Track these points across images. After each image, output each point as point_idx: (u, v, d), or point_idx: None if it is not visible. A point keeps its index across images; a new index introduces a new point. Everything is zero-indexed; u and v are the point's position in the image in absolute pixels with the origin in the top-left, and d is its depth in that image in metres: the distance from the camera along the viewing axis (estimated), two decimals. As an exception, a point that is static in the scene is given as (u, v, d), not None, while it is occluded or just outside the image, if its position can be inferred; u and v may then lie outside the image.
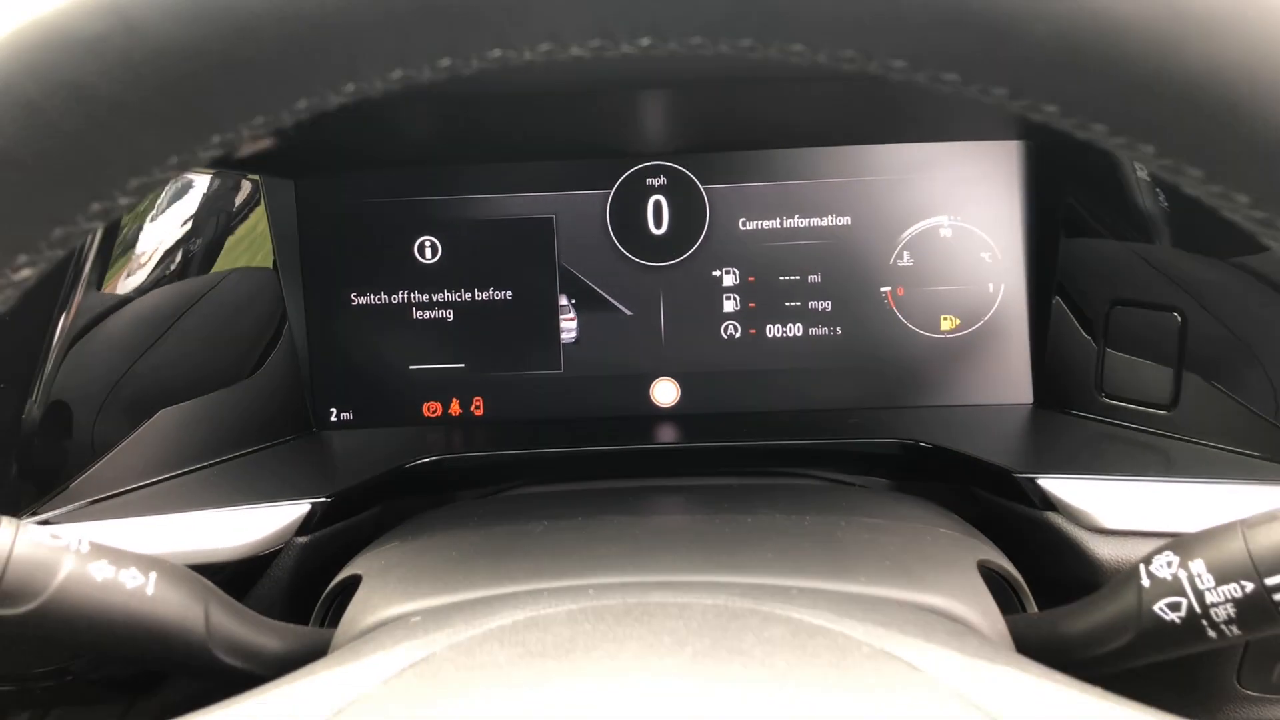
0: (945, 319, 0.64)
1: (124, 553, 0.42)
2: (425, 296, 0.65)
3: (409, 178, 0.65)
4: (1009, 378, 0.64)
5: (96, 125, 0.23)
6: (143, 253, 0.58)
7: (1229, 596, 0.39)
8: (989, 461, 0.55)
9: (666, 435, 0.63)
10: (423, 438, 0.65)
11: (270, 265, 0.64)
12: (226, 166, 0.59)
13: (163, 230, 0.59)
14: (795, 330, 0.64)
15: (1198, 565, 0.40)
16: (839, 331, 0.64)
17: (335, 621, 0.47)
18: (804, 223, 0.64)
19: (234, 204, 0.63)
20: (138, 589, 0.41)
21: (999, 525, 0.55)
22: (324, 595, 0.49)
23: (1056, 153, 0.62)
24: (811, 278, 0.64)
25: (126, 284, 0.58)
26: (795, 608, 0.34)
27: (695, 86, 0.58)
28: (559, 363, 0.65)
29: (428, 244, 0.65)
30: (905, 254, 0.64)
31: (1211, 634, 0.39)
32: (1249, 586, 0.38)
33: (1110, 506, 0.50)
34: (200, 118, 0.24)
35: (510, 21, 0.21)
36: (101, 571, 0.40)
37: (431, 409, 0.66)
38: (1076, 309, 0.60)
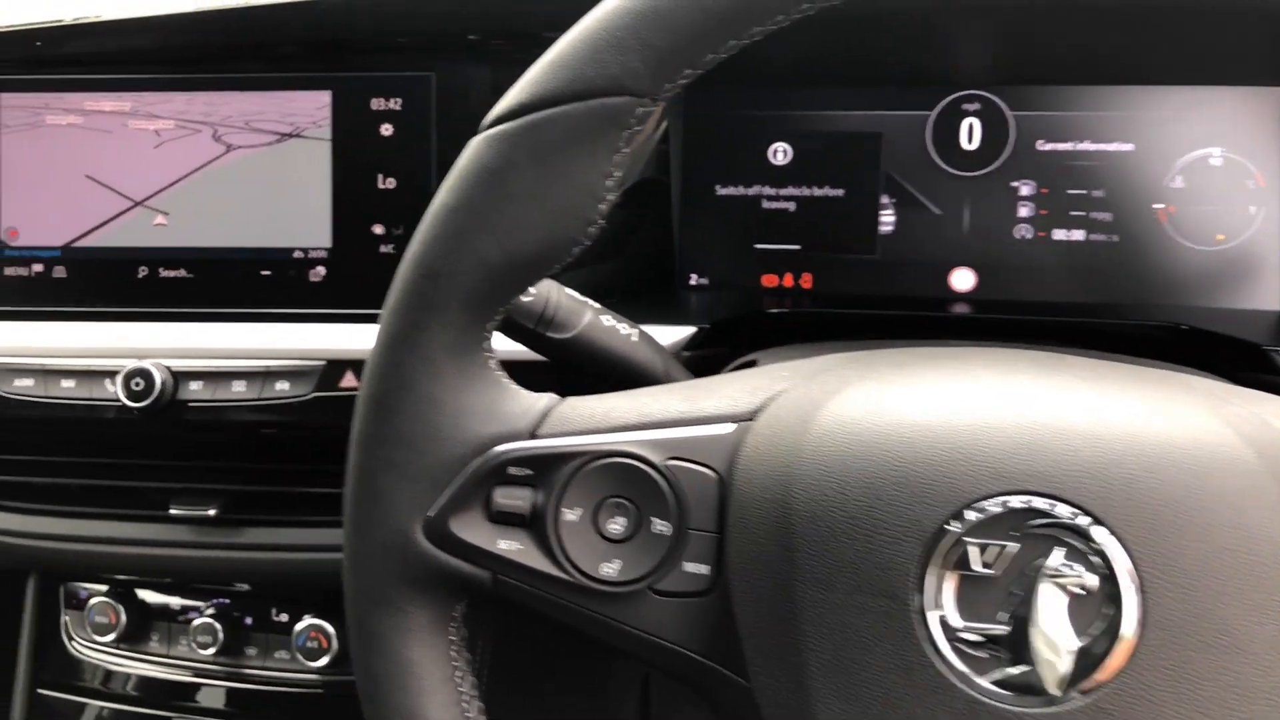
0: (1210, 234, 0.77)
1: (616, 314, 0.61)
2: (774, 190, 0.83)
3: (769, 96, 0.83)
4: (1262, 286, 0.76)
5: None
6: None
7: None
8: (1241, 339, 0.68)
9: (961, 310, 0.80)
10: (760, 299, 0.83)
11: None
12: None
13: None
14: (1079, 235, 0.79)
15: None
16: (1116, 239, 0.78)
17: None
18: (1093, 147, 0.78)
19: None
20: (627, 336, 0.60)
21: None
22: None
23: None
24: (1096, 192, 0.78)
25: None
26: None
27: (1005, 23, 0.74)
28: (875, 249, 0.82)
29: (780, 149, 0.83)
30: (1178, 177, 0.77)
31: None
32: None
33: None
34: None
35: None
36: (608, 321, 0.60)
37: (769, 280, 0.84)
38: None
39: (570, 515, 0.45)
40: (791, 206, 0.83)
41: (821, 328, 0.81)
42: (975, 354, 0.49)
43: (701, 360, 0.75)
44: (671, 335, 0.75)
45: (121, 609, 0.86)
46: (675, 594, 0.45)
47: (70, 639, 0.89)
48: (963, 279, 0.81)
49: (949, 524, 0.40)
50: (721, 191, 0.84)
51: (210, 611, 0.86)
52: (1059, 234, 0.79)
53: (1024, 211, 0.80)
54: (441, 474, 0.45)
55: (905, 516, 0.41)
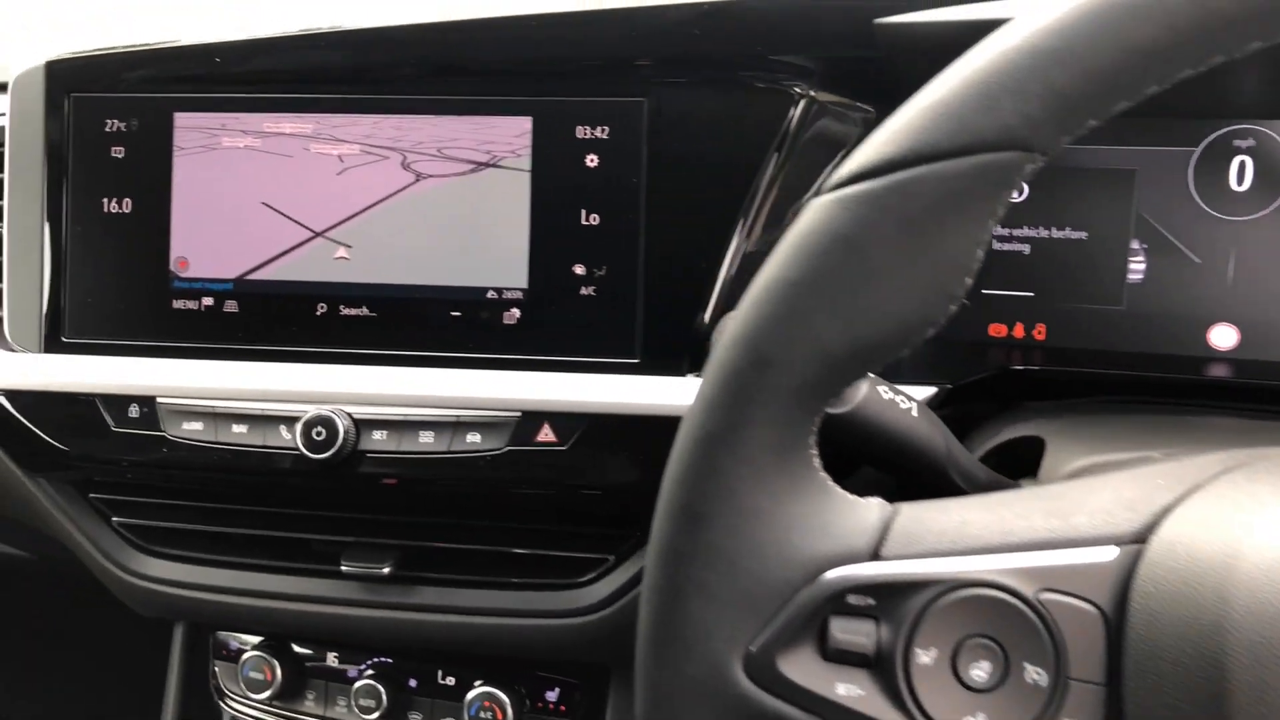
0: None
1: (890, 383, 0.54)
2: (1006, 231, 0.75)
3: (1004, 126, 0.74)
4: None
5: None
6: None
7: None
8: None
9: (1221, 373, 0.70)
10: (986, 351, 0.75)
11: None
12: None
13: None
14: (1367, 291, 0.69)
15: None
16: None
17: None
18: (1391, 191, 0.68)
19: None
20: (908, 410, 0.53)
21: None
22: (988, 450, 0.61)
23: None
24: (1395, 241, 0.69)
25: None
26: None
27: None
28: (1121, 300, 0.73)
29: (1015, 185, 0.74)
30: None
31: None
32: None
33: None
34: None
35: None
36: (886, 393, 0.52)
37: (996, 330, 0.76)
38: None
39: (924, 657, 0.37)
40: (1026, 249, 0.75)
41: (1059, 385, 0.73)
42: None
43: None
44: (919, 393, 0.67)
45: (276, 664, 0.80)
46: (1053, 758, 0.37)
47: (223, 696, 0.83)
48: (1223, 336, 0.72)
49: None
50: (944, 230, 0.76)
51: (370, 672, 0.80)
52: (1344, 289, 0.70)
53: (1302, 262, 0.70)
54: (766, 600, 0.38)
55: (1394, 691, 0.32)
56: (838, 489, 0.40)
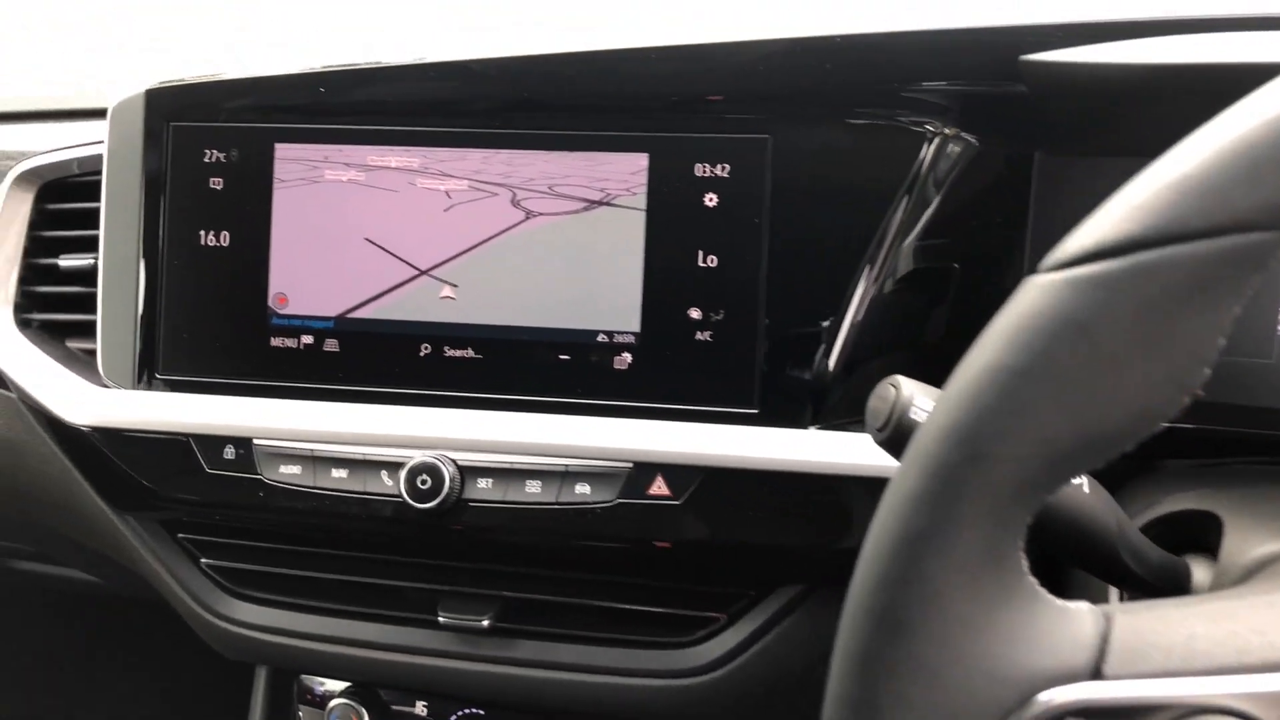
0: None
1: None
2: (1144, 277, 0.71)
3: (1138, 166, 0.70)
4: None
5: None
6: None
7: None
8: None
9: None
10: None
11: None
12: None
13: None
14: None
15: None
16: None
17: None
18: None
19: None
20: (1078, 488, 0.49)
21: None
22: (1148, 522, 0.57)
23: None
24: None
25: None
26: None
27: None
28: (1271, 353, 0.69)
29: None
30: None
31: None
32: None
33: None
34: None
35: None
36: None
37: (1131, 381, 0.71)
38: None
39: (1153, 791, 0.33)
40: (1165, 297, 0.70)
41: (1197, 443, 0.68)
42: None
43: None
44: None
45: (365, 712, 0.77)
46: None
47: (309, 746, 0.81)
48: (1384, 393, 0.67)
49: None
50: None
51: (461, 724, 0.77)
52: None
53: None
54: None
55: None
56: (1045, 594, 0.36)
